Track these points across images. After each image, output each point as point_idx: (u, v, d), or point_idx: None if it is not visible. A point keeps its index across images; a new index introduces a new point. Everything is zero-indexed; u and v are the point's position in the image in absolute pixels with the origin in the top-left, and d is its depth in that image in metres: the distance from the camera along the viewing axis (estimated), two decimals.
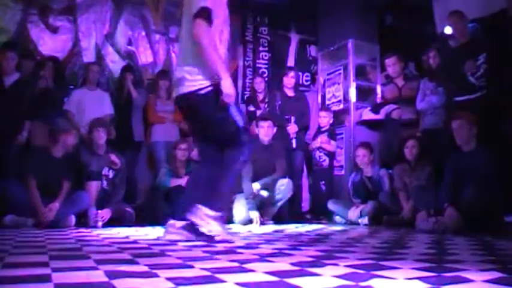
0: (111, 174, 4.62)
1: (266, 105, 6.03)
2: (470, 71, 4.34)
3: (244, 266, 1.69)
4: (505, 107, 4.24)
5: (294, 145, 5.74)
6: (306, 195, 6.53)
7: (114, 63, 6.25)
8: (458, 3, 4.88)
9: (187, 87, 2.75)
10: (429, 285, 1.31)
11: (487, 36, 4.71)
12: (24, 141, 4.67)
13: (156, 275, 1.46)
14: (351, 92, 6.39)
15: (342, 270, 1.59)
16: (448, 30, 5.07)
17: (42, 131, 4.69)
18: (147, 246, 2.51)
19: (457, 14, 4.59)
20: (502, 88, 4.25)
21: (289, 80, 5.88)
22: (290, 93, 5.89)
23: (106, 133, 4.67)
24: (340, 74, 6.62)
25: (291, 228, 4.25)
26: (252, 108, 6.09)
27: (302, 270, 1.59)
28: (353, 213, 5.01)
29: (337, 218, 5.29)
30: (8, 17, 5.70)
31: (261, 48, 7.26)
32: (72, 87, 5.61)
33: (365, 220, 4.85)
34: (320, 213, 5.78)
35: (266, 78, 6.80)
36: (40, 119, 4.76)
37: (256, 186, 4.85)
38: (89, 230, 3.82)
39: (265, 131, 5.05)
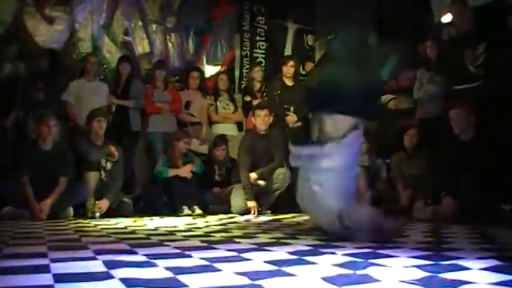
0: (108, 165, 4.61)
1: (265, 95, 5.99)
2: (470, 59, 4.32)
3: (242, 255, 1.69)
4: (504, 97, 4.22)
5: None
6: None
7: (111, 54, 6.20)
8: None
9: None
10: (426, 273, 1.31)
11: (487, 25, 4.66)
12: (9, 126, 4.68)
13: (155, 265, 1.47)
14: None
15: (339, 258, 1.60)
16: (446, 19, 5.04)
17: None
18: (145, 236, 2.52)
19: (459, 2, 4.55)
20: (502, 78, 4.22)
21: (288, 70, 5.79)
22: (289, 82, 5.81)
23: (105, 123, 4.64)
24: None
25: (289, 217, 4.26)
26: (248, 98, 6.05)
27: (300, 259, 1.60)
28: None
29: None
30: (3, 8, 5.64)
31: (257, 38, 7.22)
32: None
33: None
34: None
35: (263, 68, 6.76)
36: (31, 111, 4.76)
37: (253, 175, 4.85)
38: (87, 221, 3.83)
39: (261, 120, 5.02)
